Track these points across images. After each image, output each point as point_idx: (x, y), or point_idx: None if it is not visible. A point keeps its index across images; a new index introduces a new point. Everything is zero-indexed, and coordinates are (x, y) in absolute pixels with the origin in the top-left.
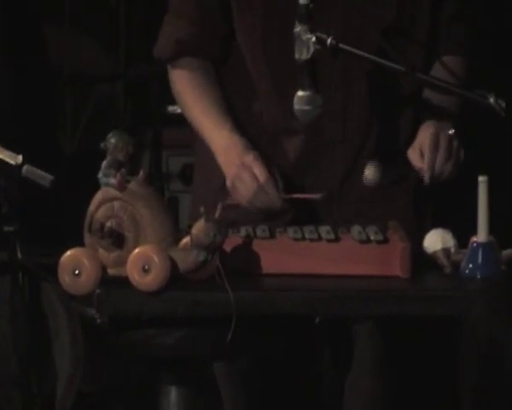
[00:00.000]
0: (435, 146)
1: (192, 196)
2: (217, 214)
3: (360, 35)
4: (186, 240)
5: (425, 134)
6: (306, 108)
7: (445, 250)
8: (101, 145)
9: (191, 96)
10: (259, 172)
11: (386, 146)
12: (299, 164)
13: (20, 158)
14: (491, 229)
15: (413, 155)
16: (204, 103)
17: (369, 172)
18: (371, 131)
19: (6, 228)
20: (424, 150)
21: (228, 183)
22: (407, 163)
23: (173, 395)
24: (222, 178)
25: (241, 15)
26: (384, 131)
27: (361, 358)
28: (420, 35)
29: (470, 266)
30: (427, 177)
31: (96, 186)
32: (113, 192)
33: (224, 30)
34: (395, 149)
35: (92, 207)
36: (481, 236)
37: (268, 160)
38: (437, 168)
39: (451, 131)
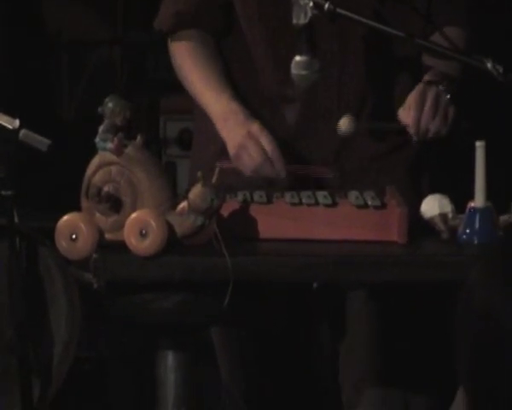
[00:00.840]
0: (421, 103)
1: (190, 161)
2: (214, 179)
3: (357, 2)
4: (183, 205)
5: (413, 93)
6: (304, 72)
7: (443, 215)
8: (99, 110)
9: (190, 66)
10: (267, 142)
11: (382, 114)
12: (296, 133)
13: (17, 122)
14: (489, 194)
15: (402, 113)
16: (203, 72)
17: (343, 124)
18: (367, 100)
19: (3, 193)
20: (411, 108)
21: (231, 151)
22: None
23: (170, 360)
24: (220, 144)
25: None
26: (380, 100)
27: (356, 325)
28: (418, 3)
29: (467, 231)
30: (412, 132)
31: (93, 151)
32: (110, 157)
33: (223, 0)
34: (392, 117)
35: (89, 171)
36: (479, 201)
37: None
38: (422, 125)
39: (447, 97)
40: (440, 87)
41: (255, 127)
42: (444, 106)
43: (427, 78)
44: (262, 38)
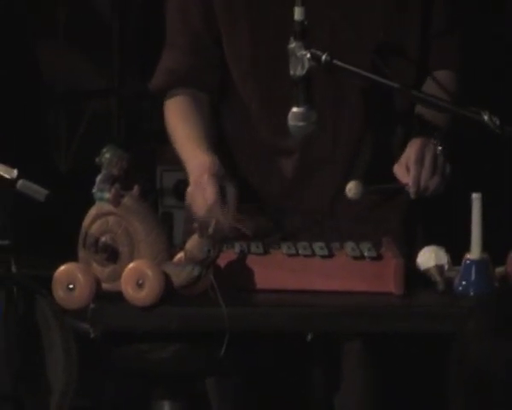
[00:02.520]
0: (420, 161)
1: (185, 211)
2: (210, 230)
3: (348, 53)
4: (180, 255)
5: (410, 150)
6: (301, 124)
7: (439, 267)
8: (96, 160)
9: (176, 122)
10: (209, 194)
11: (376, 164)
12: (292, 184)
13: (15, 172)
14: (485, 246)
15: (399, 170)
16: (186, 128)
17: (351, 188)
18: (362, 150)
19: (1, 242)
20: (410, 166)
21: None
22: (395, 179)
23: (166, 409)
24: None
25: (229, 38)
26: (375, 150)
27: (351, 376)
28: (411, 51)
29: (463, 283)
30: (412, 192)
31: (90, 201)
32: (107, 207)
33: (217, 58)
34: (386, 167)
35: (86, 221)
36: (475, 253)
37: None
38: (422, 183)
39: (439, 148)
40: (433, 140)
41: (204, 178)
42: (441, 163)
43: (417, 130)
44: (256, 94)
